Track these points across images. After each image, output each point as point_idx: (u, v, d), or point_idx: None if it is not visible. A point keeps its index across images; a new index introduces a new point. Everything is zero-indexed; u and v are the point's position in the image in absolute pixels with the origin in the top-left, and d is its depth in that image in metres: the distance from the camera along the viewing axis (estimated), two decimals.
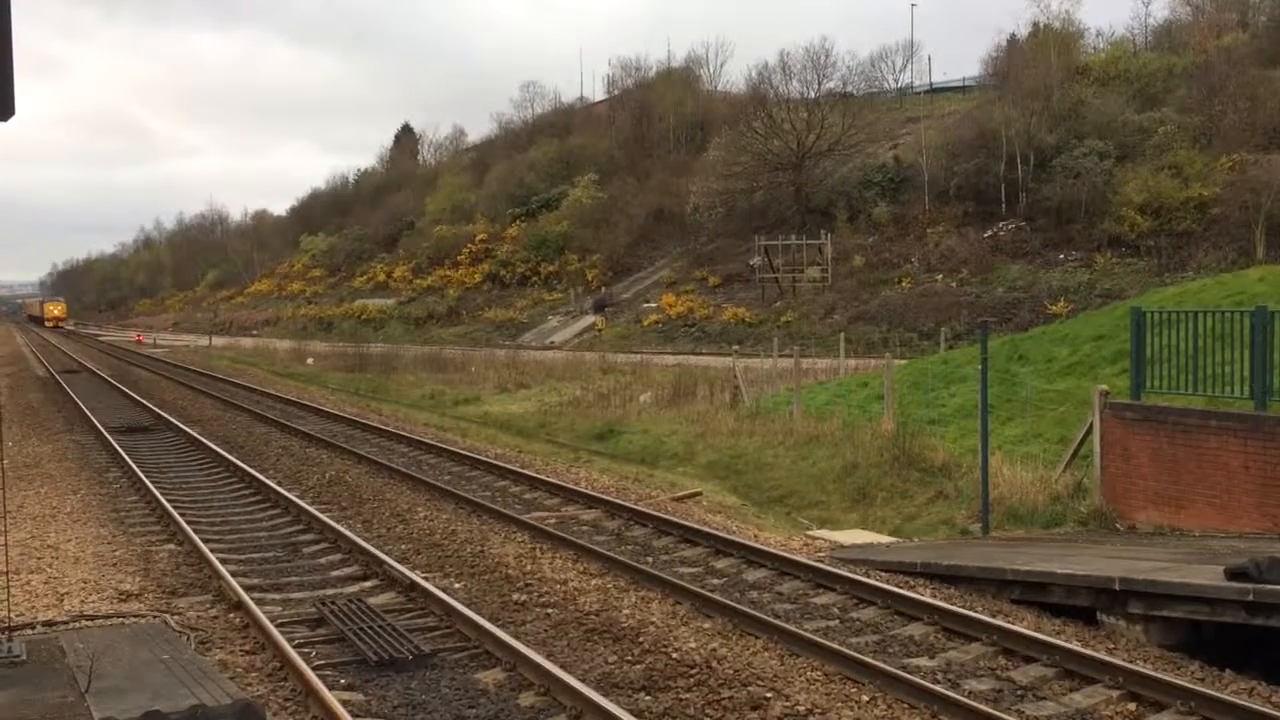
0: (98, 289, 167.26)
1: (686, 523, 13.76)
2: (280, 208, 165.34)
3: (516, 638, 9.02)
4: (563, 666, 8.35)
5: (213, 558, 11.74)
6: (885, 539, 14.09)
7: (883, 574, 11.32)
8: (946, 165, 55.40)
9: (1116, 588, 9.55)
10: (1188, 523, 12.88)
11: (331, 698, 7.59)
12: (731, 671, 8.46)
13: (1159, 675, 8.12)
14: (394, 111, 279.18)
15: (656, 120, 78.91)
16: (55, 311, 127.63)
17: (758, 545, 12.48)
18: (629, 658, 8.86)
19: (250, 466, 18.33)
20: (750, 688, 8.10)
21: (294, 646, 8.79)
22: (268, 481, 16.76)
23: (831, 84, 68.07)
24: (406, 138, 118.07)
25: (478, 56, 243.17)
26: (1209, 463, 12.68)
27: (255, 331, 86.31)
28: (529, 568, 11.88)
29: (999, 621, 9.46)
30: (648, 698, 7.99)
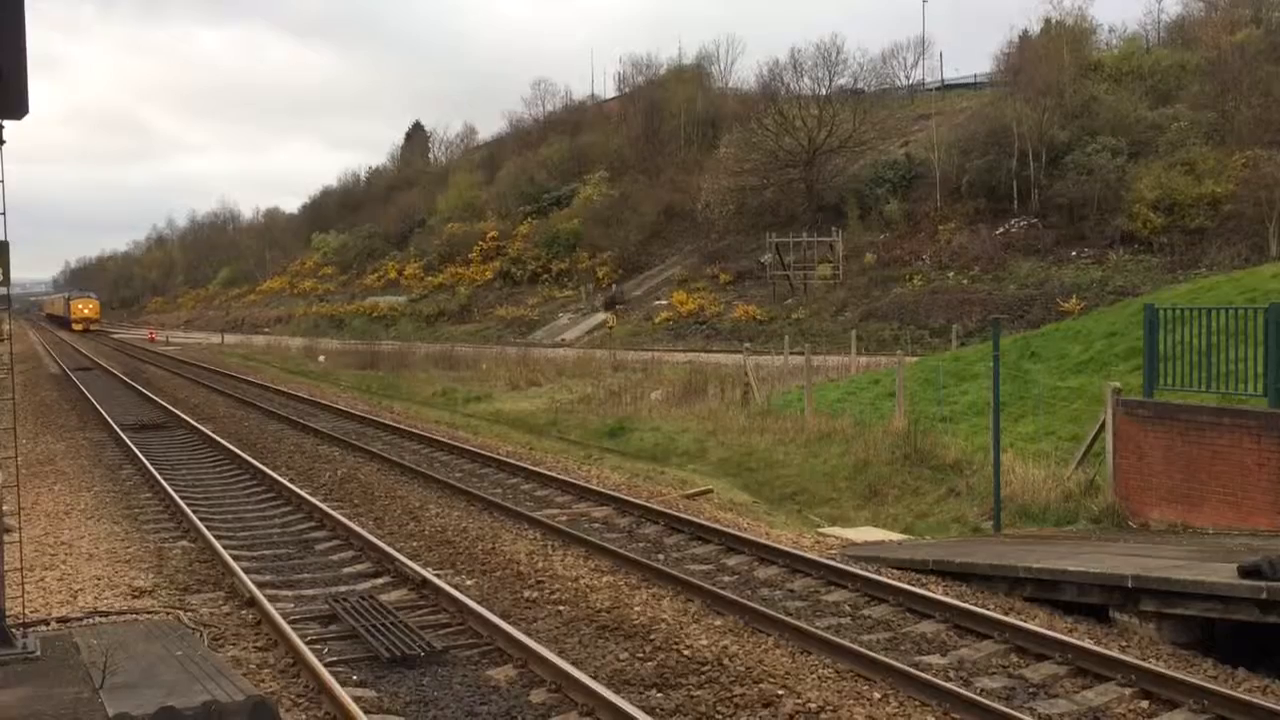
0: (111, 287, 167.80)
1: (698, 520, 13.76)
2: (287, 204, 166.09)
3: (528, 634, 9.03)
4: (574, 663, 8.36)
5: (225, 554, 11.78)
6: (897, 536, 14.07)
7: (894, 571, 11.31)
8: (958, 162, 55.21)
9: (1129, 585, 9.53)
10: (1201, 520, 12.83)
11: (344, 694, 7.61)
12: (743, 669, 8.46)
13: (1172, 673, 8.10)
14: (399, 108, 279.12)
15: (668, 118, 78.81)
16: (85, 310, 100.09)
17: (769, 543, 12.48)
18: (640, 655, 8.87)
19: (262, 464, 18.39)
20: (762, 685, 8.10)
21: (306, 643, 8.82)
22: (280, 479, 16.81)
23: (843, 81, 67.93)
24: (418, 135, 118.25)
25: (484, 53, 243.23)
26: (1222, 460, 12.63)
27: (267, 329, 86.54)
28: (540, 565, 11.89)
29: (1011, 619, 9.44)
30: (659, 695, 7.99)
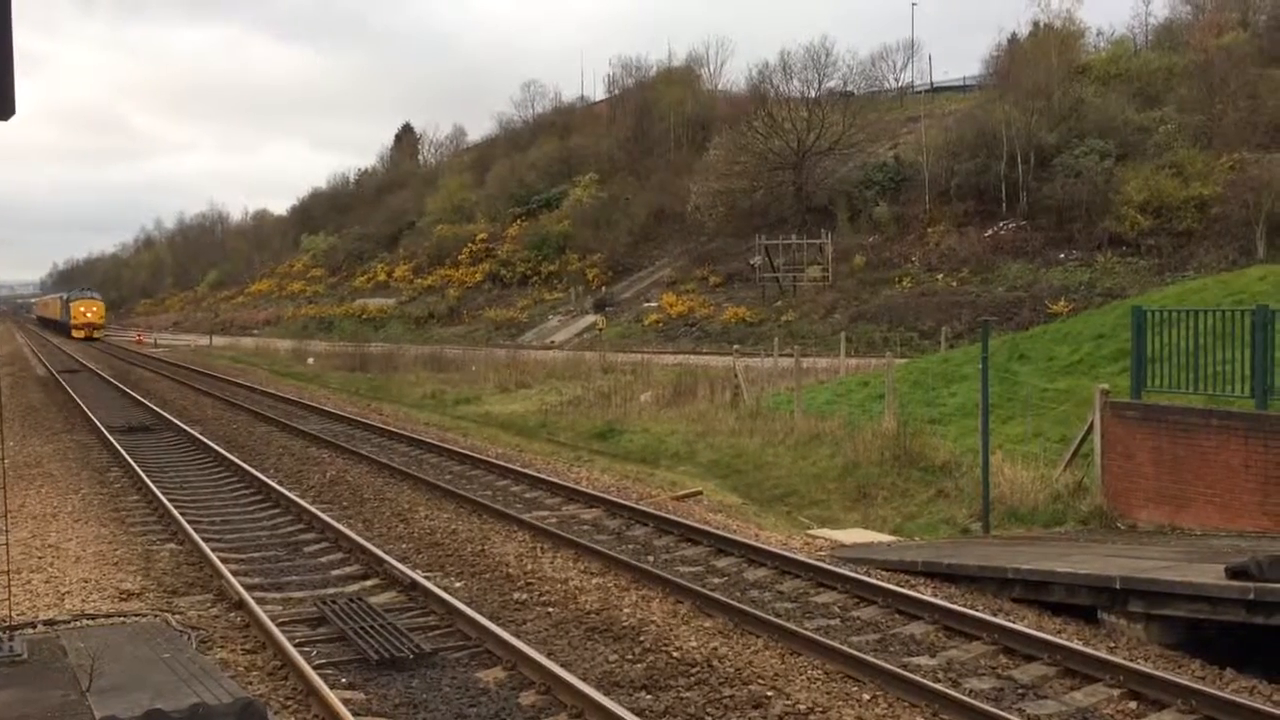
0: (99, 289, 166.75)
1: (687, 522, 13.76)
2: (275, 206, 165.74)
3: (517, 636, 9.02)
4: (563, 665, 8.35)
5: (214, 557, 11.74)
6: (886, 538, 14.09)
7: (883, 573, 11.33)
8: (947, 164, 55.34)
9: (1117, 586, 9.55)
10: (1189, 521, 12.88)
11: (333, 696, 7.59)
12: (732, 670, 8.46)
13: (1160, 674, 8.13)
14: (388, 109, 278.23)
15: (657, 120, 78.80)
16: (89, 314, 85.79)
17: (758, 544, 12.48)
18: (630, 656, 8.87)
19: (251, 466, 18.34)
20: (751, 686, 8.10)
21: (295, 645, 8.80)
22: (268, 481, 16.76)
23: (832, 83, 68.07)
24: (407, 137, 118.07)
25: (473, 54, 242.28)
26: (1210, 461, 12.68)
27: (256, 331, 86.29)
28: (530, 567, 11.88)
29: (1000, 620, 9.46)
30: (649, 696, 7.99)
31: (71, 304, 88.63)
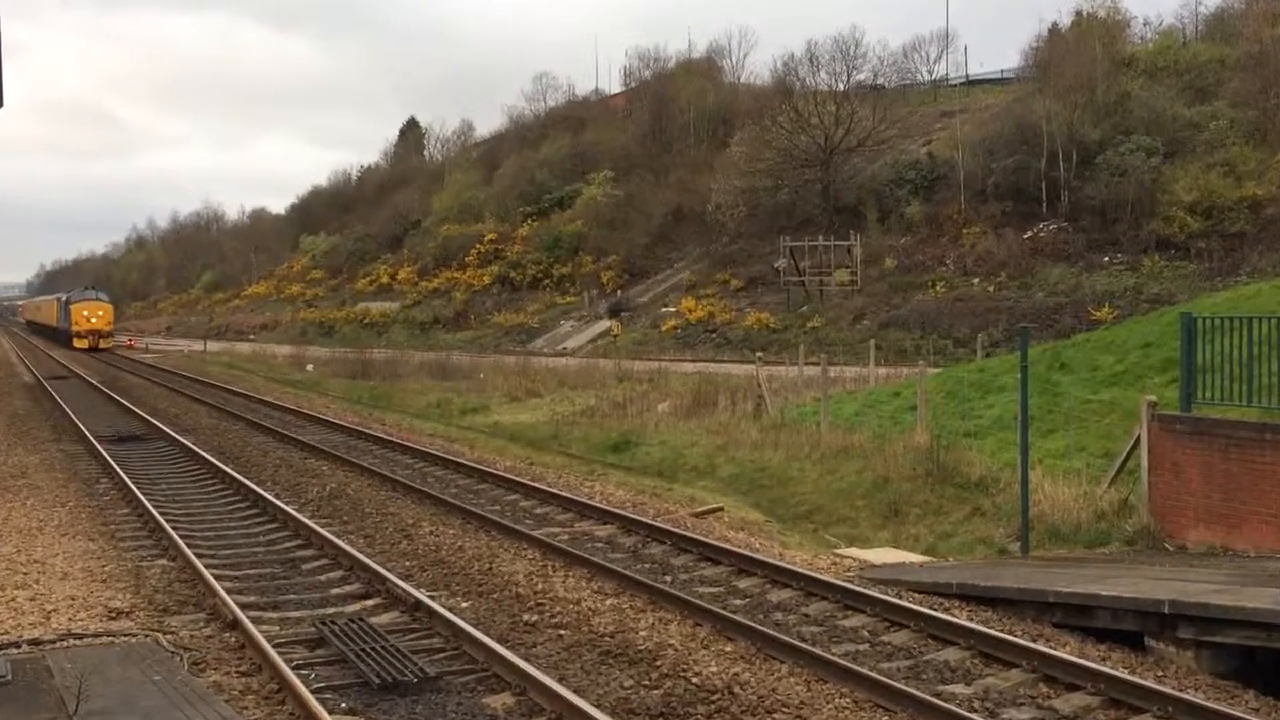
0: (89, 291, 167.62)
1: (707, 540, 13.75)
2: (273, 204, 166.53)
3: (527, 660, 9.02)
4: (576, 691, 8.35)
5: (207, 574, 11.79)
6: (918, 558, 14.05)
7: (915, 595, 11.29)
8: (984, 162, 55.22)
9: (1166, 611, 9.49)
10: (1242, 542, 12.79)
11: None
12: (755, 698, 8.44)
13: (1211, 705, 8.07)
14: (389, 102, 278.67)
15: (676, 114, 78.95)
16: (94, 319, 74.23)
17: (783, 564, 12.46)
18: (646, 682, 8.86)
19: (247, 478, 18.41)
20: (775, 715, 8.08)
21: (292, 668, 8.81)
22: (265, 494, 16.83)
23: (862, 76, 68.22)
24: (412, 132, 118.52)
25: (480, 45, 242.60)
26: (1265, 479, 12.59)
27: (252, 336, 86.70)
28: (540, 586, 11.89)
29: (1040, 646, 9.41)
30: None
31: (72, 307, 75.88)
